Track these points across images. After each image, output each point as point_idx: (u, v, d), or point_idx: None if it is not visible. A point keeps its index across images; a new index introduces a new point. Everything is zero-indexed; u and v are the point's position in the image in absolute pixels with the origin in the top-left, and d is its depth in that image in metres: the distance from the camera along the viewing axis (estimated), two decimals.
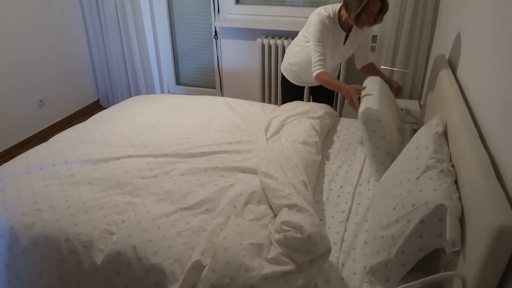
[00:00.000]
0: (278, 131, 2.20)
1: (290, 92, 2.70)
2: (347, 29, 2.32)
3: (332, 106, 2.75)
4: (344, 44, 2.37)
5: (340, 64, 2.65)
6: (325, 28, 2.22)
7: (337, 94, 3.35)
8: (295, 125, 2.21)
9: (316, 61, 2.25)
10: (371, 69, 2.48)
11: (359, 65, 2.52)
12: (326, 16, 2.23)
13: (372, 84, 2.17)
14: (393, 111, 2.13)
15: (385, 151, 1.90)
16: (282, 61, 3.24)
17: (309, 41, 2.32)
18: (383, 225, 1.42)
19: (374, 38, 3.18)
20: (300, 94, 2.71)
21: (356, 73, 3.37)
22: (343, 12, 2.22)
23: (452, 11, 2.34)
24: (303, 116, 2.30)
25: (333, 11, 2.26)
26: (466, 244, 1.16)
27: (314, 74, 2.26)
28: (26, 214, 1.62)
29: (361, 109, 1.93)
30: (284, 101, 2.73)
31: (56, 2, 3.45)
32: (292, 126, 2.20)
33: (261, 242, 1.41)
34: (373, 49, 3.23)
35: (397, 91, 2.38)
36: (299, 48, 2.47)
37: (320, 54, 2.24)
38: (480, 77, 1.57)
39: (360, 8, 2.05)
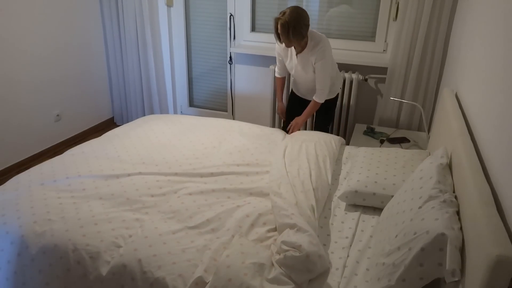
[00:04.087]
0: (296, 154, 2.25)
1: (291, 102, 3.02)
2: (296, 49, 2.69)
3: (329, 123, 3.00)
4: (296, 61, 2.71)
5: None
6: (277, 46, 2.77)
7: (340, 118, 3.41)
8: (312, 150, 2.26)
9: (275, 68, 2.95)
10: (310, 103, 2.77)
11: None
12: None
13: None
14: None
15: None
16: (270, 84, 3.48)
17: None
18: (385, 252, 1.44)
19: (384, 70, 3.25)
20: (302, 106, 2.93)
21: (363, 102, 3.43)
22: None
23: (462, 45, 2.40)
24: (318, 142, 2.36)
25: None
26: (466, 274, 1.18)
27: None
28: (37, 223, 1.68)
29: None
30: (287, 111, 3.05)
31: (80, 25, 3.61)
32: (308, 152, 2.25)
33: (263, 262, 1.43)
34: (383, 80, 3.30)
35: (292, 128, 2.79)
36: None
37: (276, 64, 2.90)
38: (486, 111, 1.61)
39: (274, 28, 2.53)
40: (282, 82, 2.97)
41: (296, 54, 2.67)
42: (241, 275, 1.37)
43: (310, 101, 2.82)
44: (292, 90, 3.02)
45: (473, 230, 1.18)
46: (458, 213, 1.40)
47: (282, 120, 3.10)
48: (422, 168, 1.68)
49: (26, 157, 3.33)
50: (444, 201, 1.41)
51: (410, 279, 1.31)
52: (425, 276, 1.29)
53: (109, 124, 4.15)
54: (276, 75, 2.96)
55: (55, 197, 1.85)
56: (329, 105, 2.88)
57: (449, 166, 1.71)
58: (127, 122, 4.07)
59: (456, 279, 1.20)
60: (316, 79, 2.66)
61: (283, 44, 2.57)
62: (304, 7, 3.39)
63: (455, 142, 1.69)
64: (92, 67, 3.84)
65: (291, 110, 2.99)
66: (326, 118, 2.94)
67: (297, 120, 2.79)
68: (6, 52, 3.01)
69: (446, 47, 2.96)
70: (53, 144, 3.56)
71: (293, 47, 2.66)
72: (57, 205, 1.80)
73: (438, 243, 1.26)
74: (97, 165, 2.15)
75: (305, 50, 2.61)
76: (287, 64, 2.80)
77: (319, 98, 2.68)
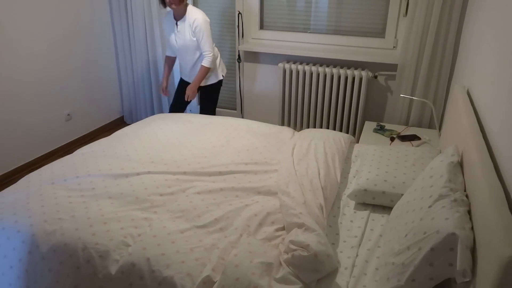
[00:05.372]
0: (304, 153, 2.24)
1: (179, 87, 3.31)
2: (177, 17, 3.00)
3: (213, 109, 3.28)
4: (177, 30, 3.01)
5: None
6: (163, 23, 3.10)
7: (350, 116, 3.38)
8: (320, 148, 2.25)
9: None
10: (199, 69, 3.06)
11: None
12: (167, 12, 3.10)
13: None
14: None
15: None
16: (287, 83, 3.49)
17: None
18: (394, 252, 1.42)
19: (394, 67, 3.22)
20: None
21: (373, 100, 3.39)
22: None
23: (474, 41, 2.36)
24: (327, 140, 2.34)
25: None
26: (477, 275, 1.16)
27: None
28: (47, 222, 1.69)
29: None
30: (176, 95, 3.34)
31: (89, 24, 3.64)
32: (317, 150, 2.24)
33: (271, 262, 1.43)
34: (393, 77, 3.26)
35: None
36: None
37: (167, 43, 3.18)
38: (498, 108, 1.58)
39: None
40: (171, 61, 3.29)
41: (176, 23, 3.00)
42: (249, 274, 1.37)
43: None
44: (180, 77, 3.31)
45: (485, 230, 1.16)
46: (469, 212, 1.38)
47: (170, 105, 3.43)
48: (432, 166, 1.66)
49: (37, 156, 3.37)
50: (455, 200, 1.38)
51: (420, 279, 1.29)
52: (435, 276, 1.28)
53: (119, 123, 4.18)
54: (167, 54, 3.26)
55: (65, 196, 1.87)
56: (212, 90, 3.19)
57: (460, 164, 1.69)
58: (137, 121, 4.10)
59: (467, 279, 1.19)
60: (200, 45, 2.97)
61: (167, 7, 2.92)
62: (313, 5, 3.38)
63: (466, 140, 1.66)
64: (102, 66, 3.87)
65: (179, 95, 3.29)
66: (208, 103, 3.23)
67: (189, 87, 3.07)
68: (17, 52, 3.05)
69: (457, 43, 2.91)
70: (64, 144, 3.60)
71: (173, 19, 3.01)
72: (67, 204, 1.81)
73: (448, 243, 1.24)
74: (106, 164, 2.16)
75: (185, 18, 2.95)
76: (169, 38, 3.08)
77: (206, 62, 2.99)
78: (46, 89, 3.34)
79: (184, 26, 2.97)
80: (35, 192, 1.90)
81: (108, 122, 4.07)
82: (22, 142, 3.22)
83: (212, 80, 3.16)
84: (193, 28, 2.93)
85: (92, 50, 3.71)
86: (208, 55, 2.98)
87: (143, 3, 3.62)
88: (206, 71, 3.02)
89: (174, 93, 3.35)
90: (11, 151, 3.15)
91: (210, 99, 3.23)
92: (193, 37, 2.96)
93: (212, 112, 3.30)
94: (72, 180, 2.01)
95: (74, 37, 3.50)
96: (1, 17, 2.89)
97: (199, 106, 3.52)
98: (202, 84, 3.17)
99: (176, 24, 3.00)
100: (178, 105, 3.32)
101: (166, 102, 3.93)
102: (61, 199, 1.84)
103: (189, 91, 3.08)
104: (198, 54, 3.05)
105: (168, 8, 3.04)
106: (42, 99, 3.32)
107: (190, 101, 3.20)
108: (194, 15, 2.93)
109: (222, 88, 3.99)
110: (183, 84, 3.28)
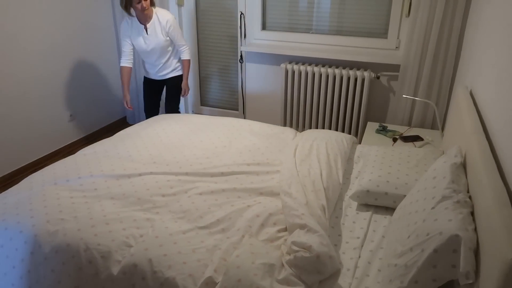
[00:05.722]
0: (306, 154, 2.24)
1: (146, 88, 3.36)
2: (144, 21, 2.99)
3: (179, 100, 3.35)
4: (147, 34, 3.01)
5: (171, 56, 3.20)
6: (123, 29, 3.05)
7: (352, 117, 3.37)
8: (323, 149, 2.24)
9: (122, 56, 3.10)
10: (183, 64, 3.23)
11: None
12: (127, 16, 2.99)
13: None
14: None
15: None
16: (289, 84, 3.48)
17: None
18: (397, 253, 1.42)
19: (397, 68, 3.21)
20: (156, 88, 3.35)
21: (375, 100, 3.39)
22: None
23: (477, 41, 2.35)
24: (330, 141, 2.34)
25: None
26: (480, 277, 1.15)
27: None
28: (50, 222, 1.70)
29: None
30: (146, 97, 3.39)
31: (91, 25, 3.64)
32: (319, 151, 2.23)
33: (273, 263, 1.42)
34: (395, 78, 3.25)
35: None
36: None
37: (122, 52, 3.10)
38: (501, 109, 1.57)
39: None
40: (130, 72, 3.17)
41: (145, 28, 3.00)
42: (251, 276, 1.37)
43: (162, 80, 3.27)
44: (144, 77, 3.33)
45: (488, 232, 1.16)
46: (472, 213, 1.37)
47: (144, 107, 3.43)
48: (435, 168, 1.65)
49: (40, 156, 3.38)
50: (458, 202, 1.38)
51: (423, 281, 1.29)
52: (438, 278, 1.27)
53: (121, 124, 4.19)
54: (125, 64, 3.13)
55: (68, 197, 1.87)
56: (178, 81, 3.27)
57: (463, 165, 1.68)
58: (139, 121, 4.10)
59: (470, 281, 1.18)
60: (175, 41, 3.09)
61: (140, 6, 2.82)
62: (315, 5, 3.37)
63: (469, 141, 1.66)
64: (105, 67, 3.87)
65: (149, 97, 3.35)
66: (174, 96, 3.30)
67: (184, 84, 3.22)
68: (18, 52, 3.06)
69: (460, 43, 2.90)
70: (66, 144, 3.61)
71: (139, 23, 3.00)
72: (70, 205, 1.82)
73: (451, 244, 1.23)
74: (108, 165, 2.16)
75: (153, 20, 2.99)
76: (136, 43, 3.06)
77: (186, 55, 3.16)
78: (48, 89, 3.34)
79: (154, 28, 3.01)
80: (38, 193, 1.91)
81: (110, 122, 4.08)
82: (24, 143, 3.23)
83: (179, 72, 3.27)
84: (167, 29, 3.01)
85: (94, 51, 3.72)
86: (186, 48, 3.16)
87: None
88: (189, 63, 3.20)
89: (144, 97, 3.37)
90: (14, 151, 3.16)
91: (176, 92, 3.30)
92: (166, 37, 3.04)
93: (177, 106, 3.36)
94: (75, 181, 2.01)
95: (76, 38, 3.51)
96: (2, 17, 2.90)
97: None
98: (171, 75, 3.24)
99: (145, 27, 3.01)
100: (152, 107, 3.39)
101: None
102: (64, 200, 1.85)
103: (185, 87, 3.25)
104: (169, 51, 3.14)
105: (125, 21, 3.05)
106: (45, 99, 3.33)
107: (161, 98, 3.40)
108: (165, 16, 3.00)
109: (223, 88, 4.01)
110: (151, 84, 3.32)
